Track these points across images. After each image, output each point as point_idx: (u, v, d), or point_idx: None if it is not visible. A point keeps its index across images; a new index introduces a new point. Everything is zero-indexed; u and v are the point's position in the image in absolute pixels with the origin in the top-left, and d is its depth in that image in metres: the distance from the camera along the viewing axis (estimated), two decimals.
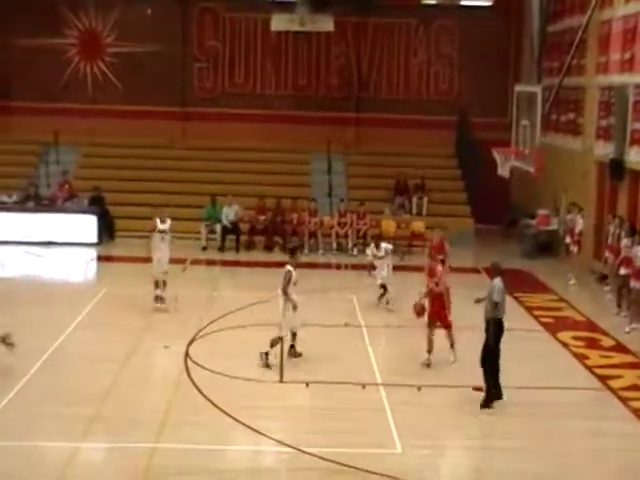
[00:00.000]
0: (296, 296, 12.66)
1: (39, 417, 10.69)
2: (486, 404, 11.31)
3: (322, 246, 21.61)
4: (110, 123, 24.91)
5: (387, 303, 15.84)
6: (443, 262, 13.77)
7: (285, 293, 12.52)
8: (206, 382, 11.92)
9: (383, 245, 16.15)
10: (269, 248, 21.58)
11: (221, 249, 21.29)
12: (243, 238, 21.66)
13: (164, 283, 15.39)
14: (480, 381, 11.42)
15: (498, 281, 11.40)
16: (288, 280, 12.54)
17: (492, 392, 11.35)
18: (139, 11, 25.15)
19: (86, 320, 14.88)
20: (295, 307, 12.59)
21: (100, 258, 20.75)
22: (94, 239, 21.55)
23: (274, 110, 25.59)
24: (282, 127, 25.16)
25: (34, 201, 22.42)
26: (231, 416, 10.77)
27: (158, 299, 15.37)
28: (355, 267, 19.82)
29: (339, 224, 21.75)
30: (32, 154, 24.62)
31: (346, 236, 21.62)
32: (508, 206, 24.93)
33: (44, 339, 13.45)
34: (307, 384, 11.98)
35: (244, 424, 10.54)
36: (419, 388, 11.91)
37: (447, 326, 12.95)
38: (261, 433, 10.35)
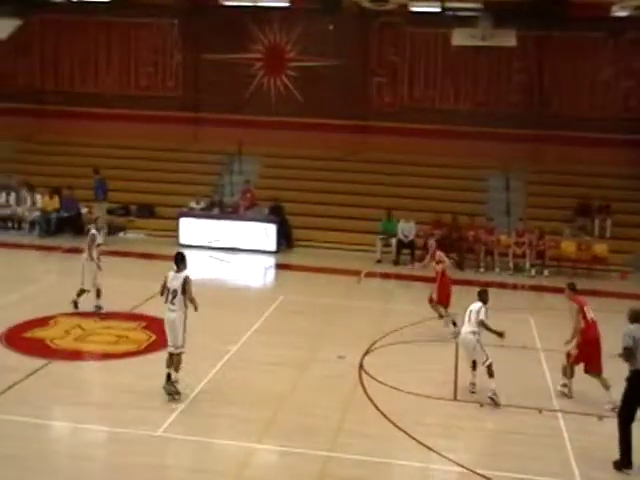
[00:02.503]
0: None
1: (219, 416, 11.15)
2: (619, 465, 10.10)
3: (498, 265, 21.16)
4: (291, 135, 25.58)
5: None
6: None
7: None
8: (379, 395, 11.98)
9: None
10: None
11: (396, 262, 21.34)
12: (418, 253, 21.59)
13: None
14: None
15: (632, 327, 10.23)
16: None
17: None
18: (321, 26, 25.68)
19: (264, 325, 15.35)
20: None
21: (278, 266, 21.37)
22: (273, 247, 22.20)
23: (452, 125, 25.34)
24: (460, 143, 24.88)
25: (219, 208, 23.42)
26: (403, 431, 10.78)
27: None
28: (533, 288, 19.26)
29: (516, 243, 21.22)
30: (218, 163, 25.72)
31: (524, 256, 21.08)
32: None
33: (225, 341, 14.04)
34: (481, 404, 11.77)
35: (416, 440, 10.52)
36: (600, 417, 11.41)
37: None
38: (433, 450, 10.28)
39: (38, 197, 23.82)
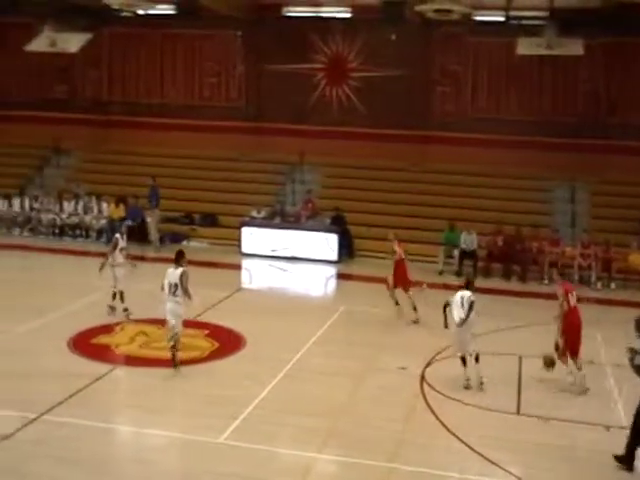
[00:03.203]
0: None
1: (280, 425, 11.20)
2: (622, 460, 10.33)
3: (565, 277, 20.75)
4: (352, 145, 25.58)
5: None
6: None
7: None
8: (440, 406, 11.89)
9: None
10: (507, 276, 21.14)
11: (458, 274, 21.12)
12: (480, 264, 21.39)
13: None
14: None
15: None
16: None
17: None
18: (383, 36, 25.65)
19: (325, 335, 15.37)
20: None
21: (339, 276, 21.38)
22: (334, 257, 22.25)
23: (516, 135, 24.98)
24: (524, 153, 24.48)
25: (280, 217, 23.59)
26: (465, 443, 10.67)
27: None
28: (599, 301, 18.85)
29: (582, 255, 20.82)
30: (280, 173, 25.91)
31: (589, 268, 20.68)
32: None
33: (287, 350, 14.11)
34: (545, 419, 11.57)
35: (477, 452, 10.40)
36: None
37: None
38: (495, 464, 10.14)
39: (104, 205, 24.38)
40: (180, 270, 12.94)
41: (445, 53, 26.09)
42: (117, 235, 16.38)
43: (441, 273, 21.22)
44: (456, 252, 21.48)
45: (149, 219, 23.44)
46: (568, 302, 12.86)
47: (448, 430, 11.06)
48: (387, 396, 12.42)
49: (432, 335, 15.18)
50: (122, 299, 15.90)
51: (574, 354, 12.74)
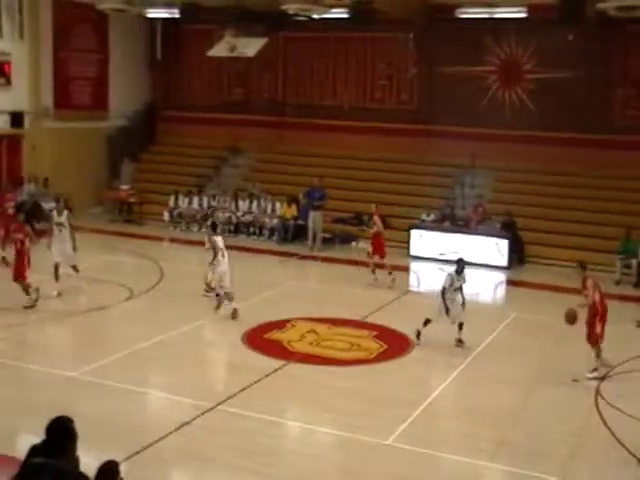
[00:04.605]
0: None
1: (448, 430, 11.16)
2: None
3: None
4: (525, 148, 24.94)
5: None
6: None
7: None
8: (616, 422, 11.37)
9: None
10: None
11: (636, 285, 20.15)
12: None
13: None
14: None
15: None
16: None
17: None
18: (560, 37, 24.82)
19: (495, 342, 15.12)
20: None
21: (510, 282, 20.96)
22: (504, 263, 21.84)
23: None
24: None
25: (450, 221, 23.41)
26: None
27: None
28: None
29: None
30: (450, 176, 25.69)
31: None
32: None
33: (455, 355, 14.07)
34: None
35: None
36: None
37: None
38: None
39: (278, 205, 25.13)
40: (220, 238, 16.41)
41: (628, 53, 24.91)
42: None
43: (618, 283, 20.27)
44: (634, 262, 20.48)
45: (310, 219, 23.70)
46: (600, 292, 13.41)
47: (623, 446, 10.58)
48: (559, 408, 12.05)
49: (608, 349, 14.56)
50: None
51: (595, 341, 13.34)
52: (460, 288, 14.70)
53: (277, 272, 21.23)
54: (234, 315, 15.71)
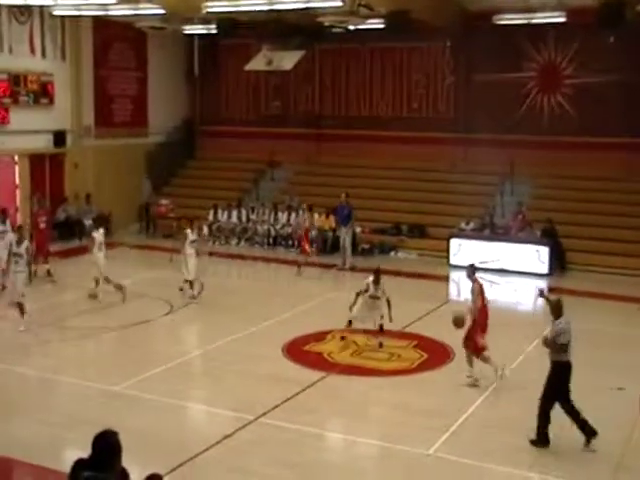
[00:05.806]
0: None
1: (490, 441, 11.02)
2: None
3: None
4: (564, 155, 24.68)
5: None
6: None
7: None
8: None
9: None
10: None
11: None
12: None
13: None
14: None
15: (562, 322, 11.03)
16: None
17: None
18: (600, 41, 24.53)
19: (535, 352, 14.92)
20: None
21: (551, 290, 20.67)
22: (545, 270, 21.62)
23: None
24: None
25: (489, 230, 23.27)
26: None
27: None
28: None
29: None
30: (489, 184, 25.52)
31: None
32: None
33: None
34: None
35: None
36: None
37: None
38: None
39: (316, 217, 25.15)
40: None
41: None
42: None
43: None
44: None
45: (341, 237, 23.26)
46: (483, 298, 13.25)
47: None
48: (604, 417, 11.80)
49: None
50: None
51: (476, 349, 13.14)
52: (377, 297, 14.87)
53: (315, 284, 21.25)
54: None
